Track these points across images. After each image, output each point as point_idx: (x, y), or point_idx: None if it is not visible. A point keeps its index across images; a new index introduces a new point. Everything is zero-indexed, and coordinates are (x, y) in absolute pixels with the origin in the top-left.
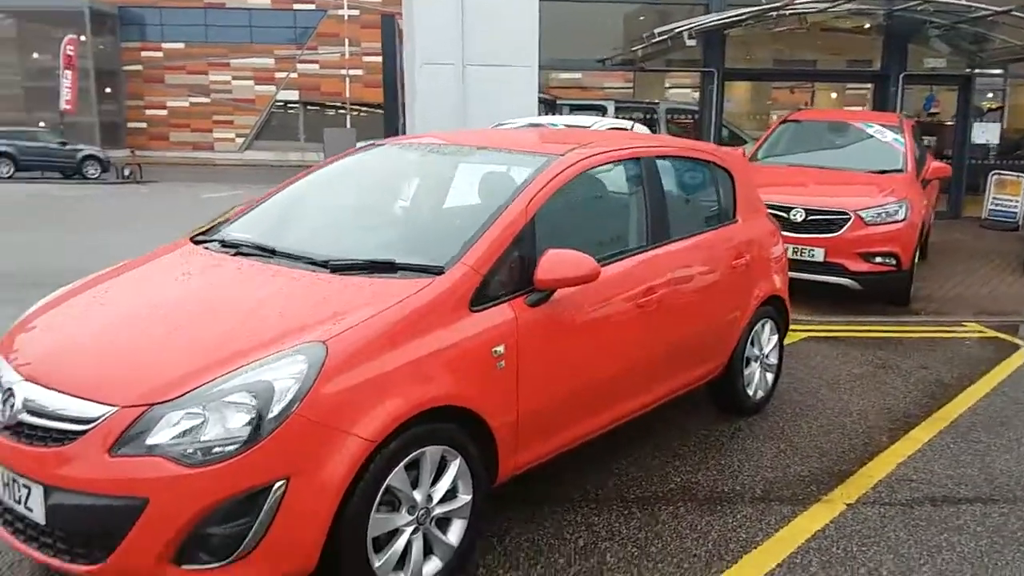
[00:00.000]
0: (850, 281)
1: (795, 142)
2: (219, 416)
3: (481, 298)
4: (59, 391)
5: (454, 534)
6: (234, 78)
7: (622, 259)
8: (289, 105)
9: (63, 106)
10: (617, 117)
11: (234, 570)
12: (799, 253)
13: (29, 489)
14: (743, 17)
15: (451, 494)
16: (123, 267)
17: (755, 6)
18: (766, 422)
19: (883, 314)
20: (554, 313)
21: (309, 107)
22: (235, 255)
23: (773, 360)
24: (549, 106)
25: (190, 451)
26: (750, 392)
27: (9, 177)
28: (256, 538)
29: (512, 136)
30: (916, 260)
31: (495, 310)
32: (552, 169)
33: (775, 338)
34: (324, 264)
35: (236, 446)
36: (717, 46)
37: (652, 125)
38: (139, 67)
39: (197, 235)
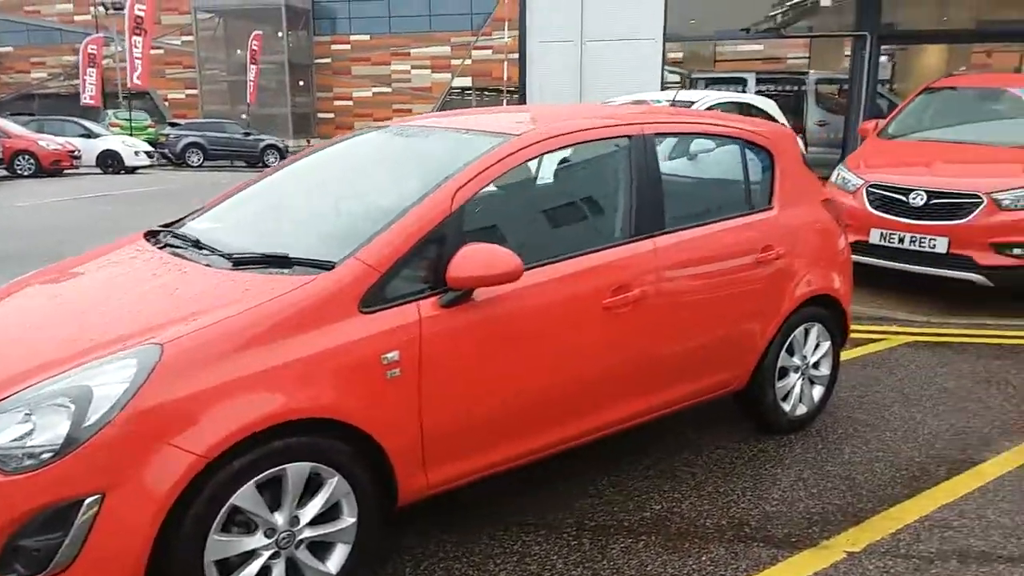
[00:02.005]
0: (979, 277)
1: (938, 114)
2: (39, 421)
3: (377, 298)
4: None
5: (334, 560)
6: (413, 67)
7: (585, 254)
8: (465, 92)
9: (247, 99)
10: (757, 91)
11: None
12: (918, 243)
13: None
14: None
15: (331, 516)
16: (85, 257)
17: None
18: (802, 443)
19: (1020, 315)
20: (478, 317)
21: (483, 93)
22: (162, 248)
23: (823, 371)
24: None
25: (7, 457)
26: (787, 407)
27: (199, 165)
28: (71, 553)
29: (495, 116)
30: None
31: (393, 312)
32: (496, 153)
33: (826, 345)
34: (229, 257)
35: (50, 454)
36: (872, 5)
37: (799, 98)
38: (328, 60)
39: (156, 228)
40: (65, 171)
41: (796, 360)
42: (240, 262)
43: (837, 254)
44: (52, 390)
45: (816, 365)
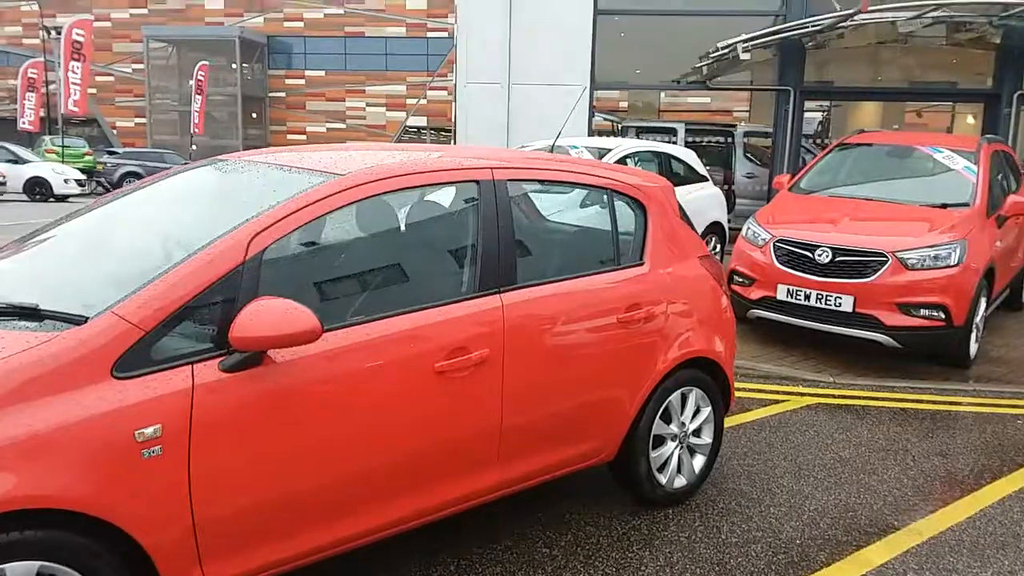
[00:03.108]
0: (885, 337)
1: (849, 170)
2: None
3: (139, 360)
4: None
5: None
6: (368, 104)
7: (414, 311)
8: (421, 131)
9: (192, 129)
10: (687, 142)
11: None
12: (823, 300)
13: None
14: (805, 30)
15: None
16: None
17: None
18: (678, 520)
19: (931, 378)
20: (272, 384)
21: (439, 132)
22: None
23: (705, 439)
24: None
25: None
26: (663, 479)
27: None
28: None
29: (339, 154)
30: (987, 312)
31: (157, 378)
32: (310, 194)
33: (707, 411)
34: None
35: None
36: (794, 63)
37: (728, 151)
38: (283, 94)
39: None
40: None
41: (673, 428)
42: None
43: (717, 313)
44: None
45: (697, 432)
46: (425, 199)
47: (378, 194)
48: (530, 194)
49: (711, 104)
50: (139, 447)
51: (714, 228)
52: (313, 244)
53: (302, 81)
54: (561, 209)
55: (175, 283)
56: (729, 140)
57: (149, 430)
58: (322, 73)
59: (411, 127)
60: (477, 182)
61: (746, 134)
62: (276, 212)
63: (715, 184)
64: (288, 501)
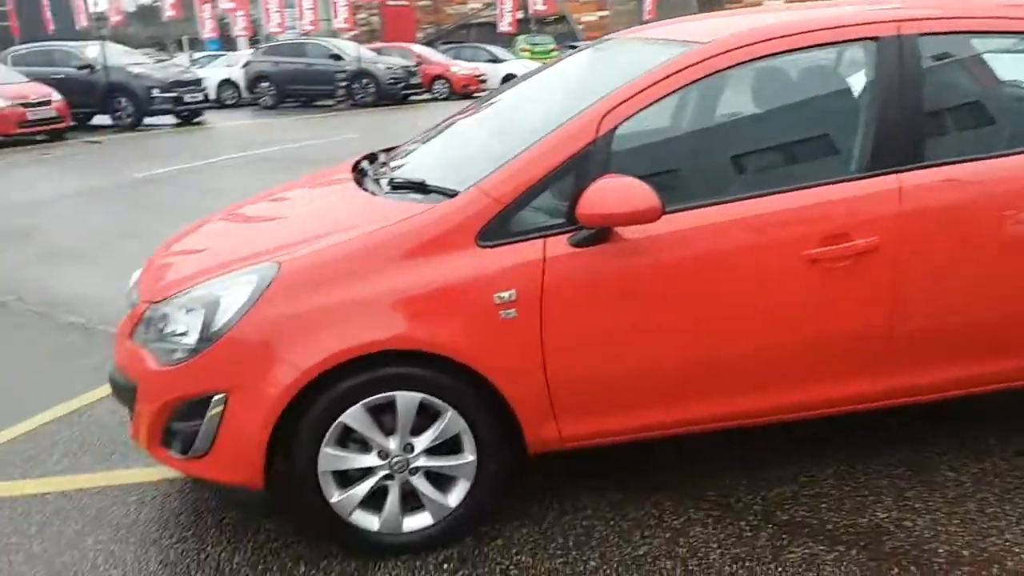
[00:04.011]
0: None
1: None
2: (182, 322)
3: (498, 232)
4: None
5: (455, 494)
6: None
7: (786, 191)
8: None
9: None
10: None
11: (193, 466)
12: None
13: None
14: None
15: (450, 450)
16: (300, 181)
17: None
18: None
19: None
20: (621, 260)
21: None
22: (354, 175)
23: None
24: None
25: (159, 349)
26: None
27: None
28: (206, 442)
29: (705, 24)
30: None
31: (513, 248)
32: (668, 67)
33: None
34: (388, 183)
35: (186, 353)
36: None
37: None
38: None
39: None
40: (473, 94)
41: None
42: (394, 188)
43: None
44: (194, 296)
45: None
46: (802, 64)
47: (742, 62)
48: (961, 52)
49: None
50: (497, 308)
51: None
52: (670, 119)
53: None
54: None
55: (530, 161)
56: None
57: (506, 294)
58: None
59: None
60: (875, 39)
61: None
62: (628, 89)
63: None
64: (633, 376)
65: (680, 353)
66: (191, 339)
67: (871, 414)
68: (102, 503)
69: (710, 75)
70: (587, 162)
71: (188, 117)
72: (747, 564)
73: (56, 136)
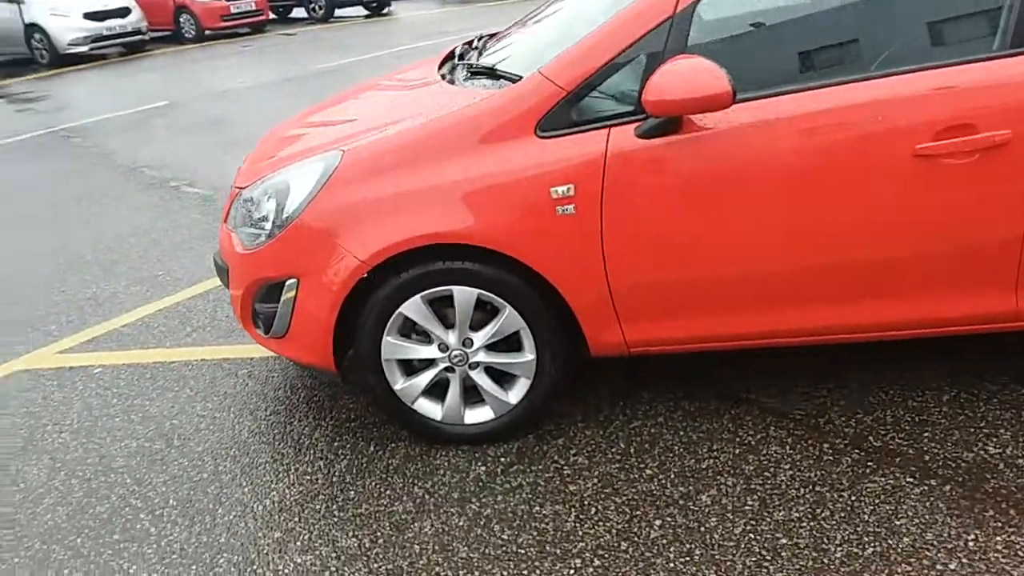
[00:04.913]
0: None
1: None
2: (264, 208)
3: (560, 121)
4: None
5: (515, 392)
6: None
7: (893, 75)
8: None
9: None
10: None
11: (276, 345)
12: None
13: None
14: None
15: (510, 347)
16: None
17: None
18: None
19: None
20: (693, 153)
21: None
22: (442, 67)
23: None
24: None
25: (245, 234)
26: None
27: None
28: (283, 324)
29: None
30: None
31: (574, 139)
32: None
33: None
34: (467, 70)
35: (263, 238)
36: None
37: None
38: None
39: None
40: None
41: None
42: (472, 75)
43: None
44: (271, 183)
45: None
46: None
47: None
48: None
49: None
50: (553, 204)
51: None
52: None
53: None
54: None
55: (599, 42)
56: None
57: (562, 189)
58: None
59: None
60: None
61: None
62: None
63: None
64: (704, 280)
65: (755, 260)
66: (268, 225)
67: (1003, 337)
68: (216, 373)
69: None
70: (661, 42)
71: (377, 8)
72: (817, 489)
73: (257, 29)
